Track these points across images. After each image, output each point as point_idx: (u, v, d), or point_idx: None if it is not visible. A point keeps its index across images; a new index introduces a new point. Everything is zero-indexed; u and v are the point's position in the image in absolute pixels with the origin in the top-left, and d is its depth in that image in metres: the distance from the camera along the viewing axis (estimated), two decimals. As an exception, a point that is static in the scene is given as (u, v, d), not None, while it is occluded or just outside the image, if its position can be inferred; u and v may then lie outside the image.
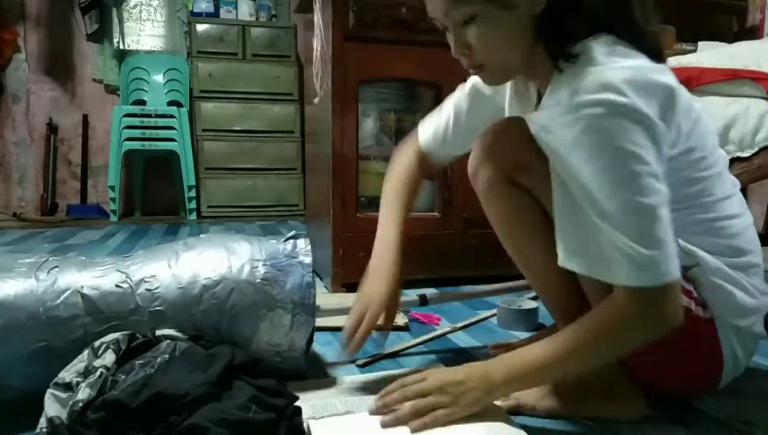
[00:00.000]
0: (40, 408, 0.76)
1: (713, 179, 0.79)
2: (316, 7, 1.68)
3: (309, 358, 1.01)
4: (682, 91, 0.74)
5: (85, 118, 3.76)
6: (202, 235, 1.09)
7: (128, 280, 0.93)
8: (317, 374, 1.03)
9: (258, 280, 0.95)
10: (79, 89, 3.77)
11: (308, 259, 0.98)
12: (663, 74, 0.72)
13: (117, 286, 0.92)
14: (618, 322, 0.71)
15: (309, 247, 1.01)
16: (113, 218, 3.48)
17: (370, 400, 0.82)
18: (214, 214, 3.62)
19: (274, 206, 3.74)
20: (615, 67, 0.69)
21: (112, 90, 3.81)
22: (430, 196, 1.83)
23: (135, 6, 3.84)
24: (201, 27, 3.66)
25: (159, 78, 3.71)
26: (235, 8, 3.85)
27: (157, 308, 0.91)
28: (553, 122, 0.71)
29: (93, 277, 0.93)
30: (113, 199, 3.47)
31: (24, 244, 2.62)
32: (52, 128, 3.69)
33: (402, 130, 1.94)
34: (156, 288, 0.92)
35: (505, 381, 0.75)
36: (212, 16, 3.82)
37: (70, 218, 3.54)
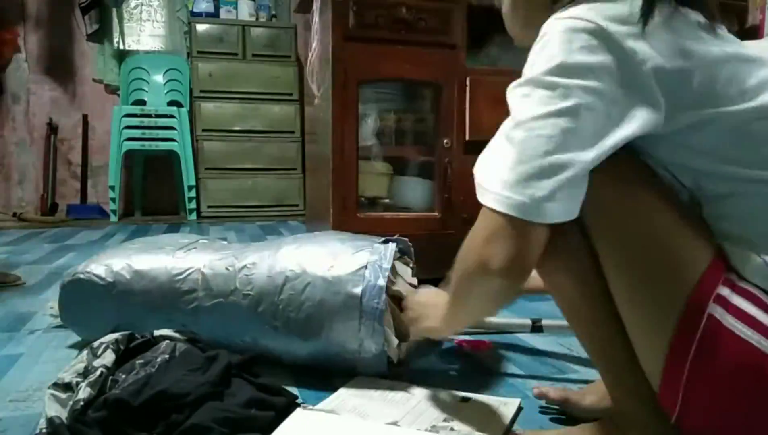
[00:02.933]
0: None
1: None
2: (315, 6, 1.68)
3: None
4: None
5: (85, 118, 3.76)
6: (315, 233, 1.17)
7: (235, 265, 1.05)
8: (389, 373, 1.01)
9: (332, 278, 0.98)
10: (79, 89, 3.77)
11: (386, 264, 0.99)
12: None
13: (227, 268, 1.05)
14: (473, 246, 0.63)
15: (392, 252, 1.02)
16: (113, 218, 3.48)
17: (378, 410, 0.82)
18: (214, 214, 3.62)
19: (274, 206, 3.74)
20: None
21: (112, 90, 3.81)
22: (430, 196, 1.83)
23: (135, 6, 3.84)
24: (201, 27, 3.66)
25: (159, 78, 3.71)
26: (235, 8, 3.85)
27: (249, 292, 1.02)
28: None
29: (215, 259, 1.07)
30: (113, 199, 3.47)
31: (24, 244, 2.62)
32: (52, 128, 3.69)
33: (402, 130, 1.94)
34: (252, 274, 1.03)
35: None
36: (212, 16, 3.82)
37: (70, 218, 3.54)
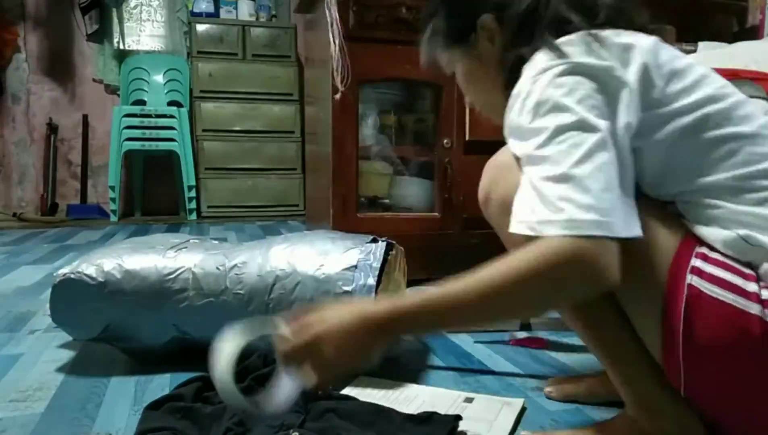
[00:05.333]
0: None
1: (754, 141, 0.65)
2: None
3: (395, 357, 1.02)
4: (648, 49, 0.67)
5: (85, 118, 3.76)
6: (305, 232, 1.17)
7: (225, 264, 1.05)
8: (391, 373, 1.01)
9: (322, 277, 0.98)
10: (79, 89, 3.77)
11: (375, 265, 0.99)
12: (621, 36, 0.67)
13: (217, 268, 1.05)
14: (548, 268, 0.59)
15: (382, 251, 1.02)
16: (113, 218, 3.48)
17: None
18: (214, 214, 3.62)
19: (274, 206, 3.73)
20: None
21: (112, 90, 3.81)
22: (430, 196, 1.83)
23: (135, 6, 3.84)
24: (201, 27, 3.66)
25: (159, 78, 3.71)
26: (235, 8, 3.85)
27: (239, 292, 1.02)
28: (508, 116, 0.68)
29: (205, 258, 1.07)
30: (113, 199, 3.47)
31: (24, 244, 2.62)
32: (52, 128, 3.69)
33: (402, 130, 1.94)
34: (243, 273, 1.03)
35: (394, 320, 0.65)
36: (212, 16, 3.82)
37: (70, 218, 3.54)
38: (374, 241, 1.07)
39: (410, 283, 1.24)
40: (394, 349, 1.11)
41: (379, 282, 0.99)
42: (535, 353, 1.16)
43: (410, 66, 1.73)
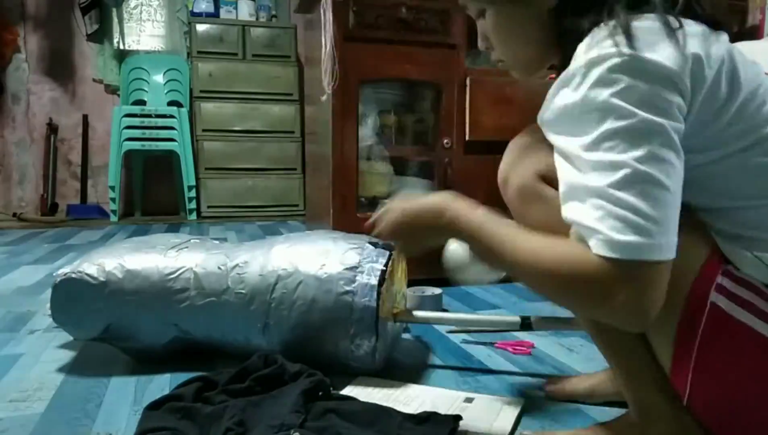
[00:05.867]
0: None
1: None
2: (326, 2, 1.67)
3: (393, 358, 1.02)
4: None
5: (85, 118, 3.76)
6: (306, 232, 1.17)
7: (227, 264, 1.06)
8: (391, 373, 1.02)
9: (324, 277, 0.99)
10: (79, 89, 3.77)
11: (377, 265, 0.99)
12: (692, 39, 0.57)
13: (218, 267, 1.06)
14: (581, 277, 0.56)
15: (385, 251, 1.02)
16: (113, 218, 3.48)
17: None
18: (214, 214, 3.62)
19: (274, 206, 3.73)
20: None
21: (112, 90, 3.81)
22: (430, 196, 1.82)
23: (135, 6, 3.84)
24: (201, 27, 3.66)
25: (159, 78, 3.71)
26: (235, 8, 3.85)
27: (241, 291, 1.02)
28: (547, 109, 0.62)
29: (207, 258, 1.08)
30: (113, 199, 3.47)
31: (24, 244, 2.62)
32: (52, 128, 3.69)
33: (402, 130, 1.94)
34: (244, 273, 1.04)
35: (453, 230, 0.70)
36: (212, 16, 3.82)
37: (70, 218, 3.54)
38: (374, 245, 1.06)
39: (410, 284, 1.24)
40: (395, 350, 1.11)
41: (381, 282, 0.99)
42: (535, 353, 1.16)
43: (410, 66, 1.73)
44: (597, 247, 0.55)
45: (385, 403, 0.88)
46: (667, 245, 0.54)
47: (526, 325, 1.04)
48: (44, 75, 3.70)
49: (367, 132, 1.84)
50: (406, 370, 1.06)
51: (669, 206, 0.55)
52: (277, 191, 3.74)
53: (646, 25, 0.57)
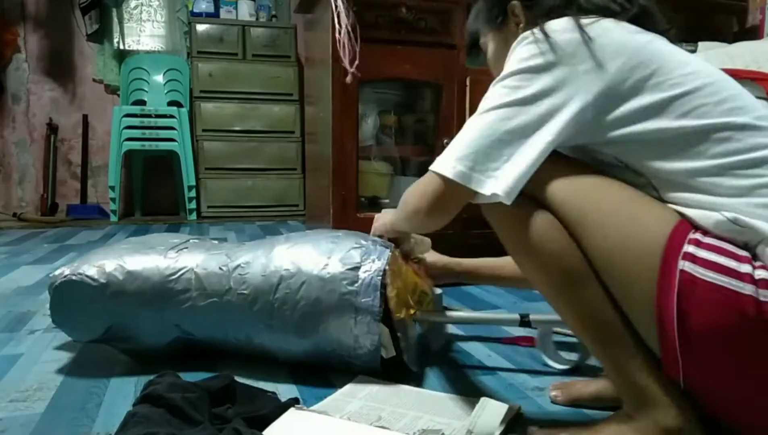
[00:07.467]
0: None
1: (739, 130, 0.67)
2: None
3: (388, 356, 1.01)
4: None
5: (85, 118, 3.76)
6: (306, 232, 1.17)
7: (228, 264, 1.05)
8: (391, 374, 1.01)
9: (327, 277, 0.99)
10: (79, 89, 3.77)
11: (378, 265, 0.99)
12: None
13: (220, 268, 1.06)
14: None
15: (385, 251, 1.02)
16: (113, 218, 3.48)
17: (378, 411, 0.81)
18: (214, 214, 3.62)
19: (274, 206, 3.73)
20: None
21: (112, 90, 3.81)
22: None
23: (135, 6, 3.84)
24: (201, 27, 3.66)
25: (159, 78, 3.71)
26: (235, 8, 3.85)
27: (244, 292, 1.02)
28: None
29: (207, 258, 1.08)
30: (113, 199, 3.47)
31: (24, 244, 2.62)
32: (52, 128, 3.69)
33: (402, 130, 1.94)
34: (246, 273, 1.03)
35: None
36: (212, 16, 3.82)
37: (70, 218, 3.54)
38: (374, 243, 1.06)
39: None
40: (396, 350, 1.11)
41: (383, 282, 0.98)
42: (535, 353, 1.16)
43: (410, 66, 1.73)
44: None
45: (385, 403, 0.88)
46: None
47: (525, 322, 1.07)
48: (44, 75, 3.70)
49: (367, 132, 1.84)
50: (406, 370, 1.06)
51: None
52: (277, 191, 3.74)
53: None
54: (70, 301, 1.06)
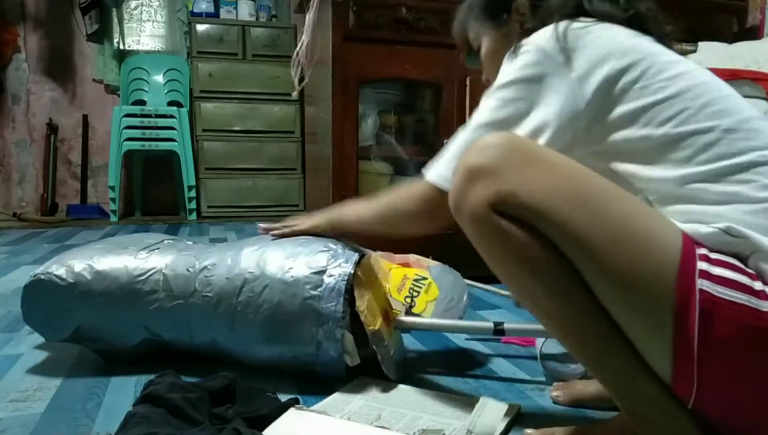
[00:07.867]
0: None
1: (725, 134, 0.66)
2: (313, 3, 1.68)
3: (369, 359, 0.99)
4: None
5: (85, 118, 3.76)
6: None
7: (195, 266, 1.04)
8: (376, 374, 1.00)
9: (290, 280, 0.97)
10: (79, 89, 3.77)
11: (344, 269, 0.97)
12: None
13: (187, 269, 1.04)
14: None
15: (353, 255, 1.00)
16: (113, 218, 3.48)
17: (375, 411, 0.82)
18: (214, 214, 3.62)
19: (274, 206, 3.73)
20: None
21: (112, 90, 3.81)
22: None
23: (135, 6, 3.84)
24: (201, 27, 3.66)
25: (159, 78, 3.71)
26: (235, 8, 3.85)
27: (208, 294, 1.01)
28: None
29: (176, 260, 1.06)
30: (113, 199, 3.47)
31: (24, 244, 2.62)
32: (52, 128, 3.69)
33: (402, 130, 1.94)
34: (212, 275, 1.02)
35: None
36: (212, 16, 3.82)
37: (70, 218, 3.54)
38: (353, 249, 1.03)
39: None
40: (396, 352, 1.11)
41: (348, 288, 0.96)
42: (535, 353, 1.16)
43: (410, 66, 1.73)
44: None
45: (385, 404, 0.88)
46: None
47: (498, 330, 1.04)
48: (44, 75, 3.70)
49: (367, 132, 1.84)
50: (406, 371, 1.06)
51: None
52: (277, 191, 3.74)
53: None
54: (40, 300, 1.05)
